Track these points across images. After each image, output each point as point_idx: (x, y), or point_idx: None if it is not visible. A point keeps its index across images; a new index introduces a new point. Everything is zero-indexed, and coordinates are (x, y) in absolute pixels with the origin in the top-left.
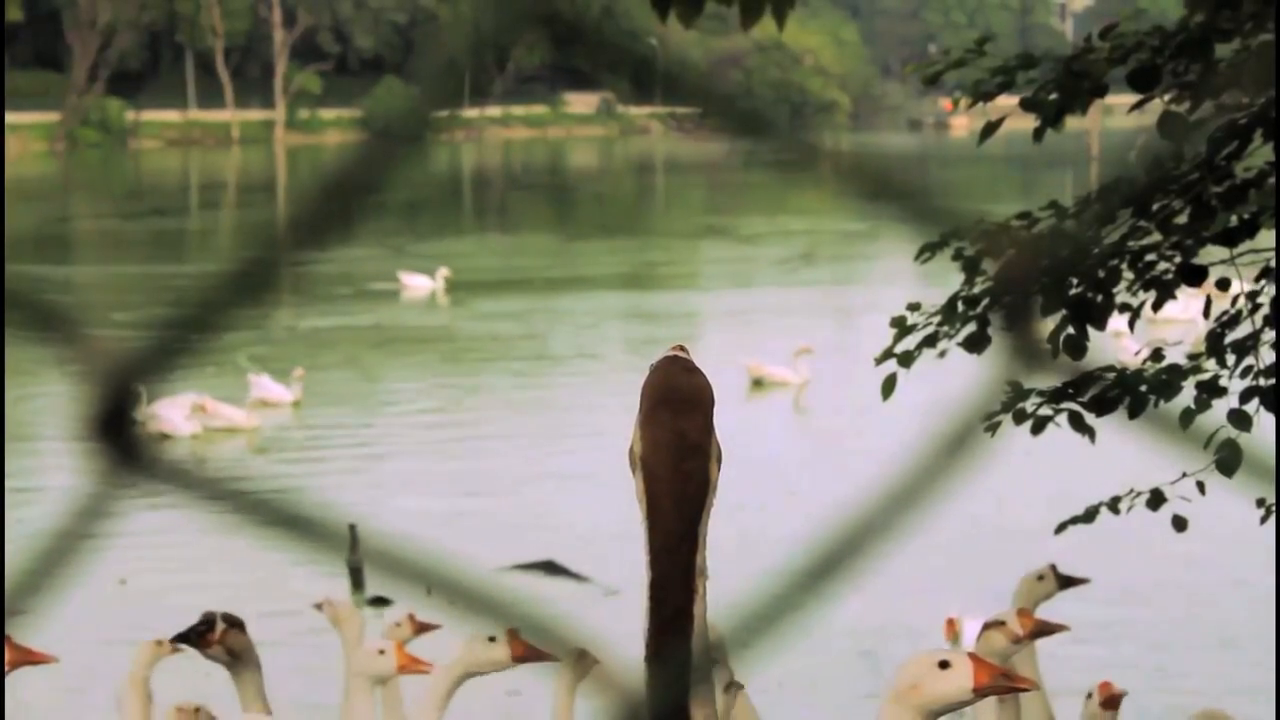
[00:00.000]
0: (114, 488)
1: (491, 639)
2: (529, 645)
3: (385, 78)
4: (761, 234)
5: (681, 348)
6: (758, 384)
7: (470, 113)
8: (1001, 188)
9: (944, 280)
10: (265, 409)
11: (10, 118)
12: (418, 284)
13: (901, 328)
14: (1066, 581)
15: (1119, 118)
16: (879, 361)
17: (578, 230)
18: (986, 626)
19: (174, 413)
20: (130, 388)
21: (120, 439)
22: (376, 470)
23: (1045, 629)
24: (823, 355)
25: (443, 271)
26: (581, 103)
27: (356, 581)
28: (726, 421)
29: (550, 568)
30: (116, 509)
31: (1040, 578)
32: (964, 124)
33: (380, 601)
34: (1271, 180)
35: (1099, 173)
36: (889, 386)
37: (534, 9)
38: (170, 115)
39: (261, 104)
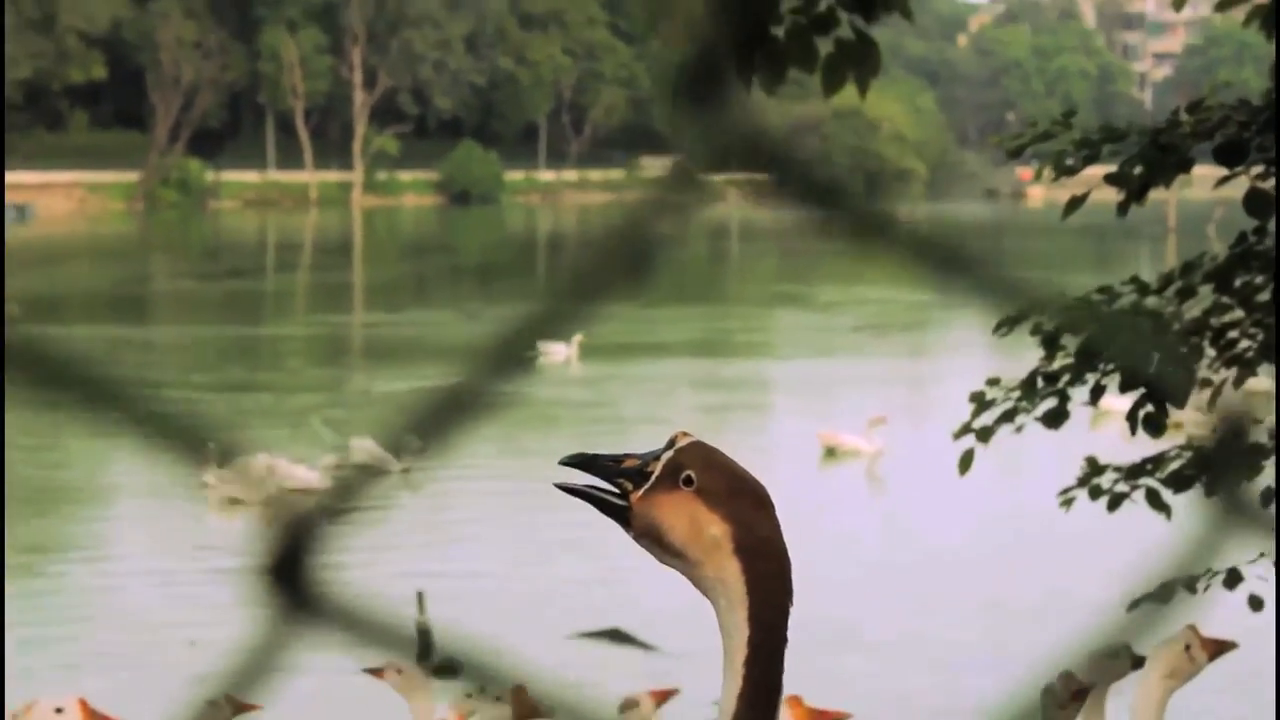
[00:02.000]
0: (289, 630)
1: (498, 698)
2: (534, 704)
3: (464, 140)
4: (836, 302)
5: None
6: (831, 453)
7: (547, 175)
8: (1078, 259)
9: (1017, 352)
10: (371, 474)
11: (92, 176)
12: (554, 350)
13: (980, 403)
14: (1138, 661)
15: (1196, 188)
16: (957, 436)
17: (652, 296)
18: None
19: (243, 474)
20: (307, 535)
21: (296, 584)
22: (445, 532)
23: (1222, 648)
24: (896, 425)
25: (577, 338)
26: (658, 167)
27: (425, 646)
28: (800, 490)
29: (616, 635)
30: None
31: (1115, 655)
32: (1040, 194)
33: (448, 669)
34: None
35: (1176, 244)
36: (967, 461)
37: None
38: (249, 176)
39: (340, 165)
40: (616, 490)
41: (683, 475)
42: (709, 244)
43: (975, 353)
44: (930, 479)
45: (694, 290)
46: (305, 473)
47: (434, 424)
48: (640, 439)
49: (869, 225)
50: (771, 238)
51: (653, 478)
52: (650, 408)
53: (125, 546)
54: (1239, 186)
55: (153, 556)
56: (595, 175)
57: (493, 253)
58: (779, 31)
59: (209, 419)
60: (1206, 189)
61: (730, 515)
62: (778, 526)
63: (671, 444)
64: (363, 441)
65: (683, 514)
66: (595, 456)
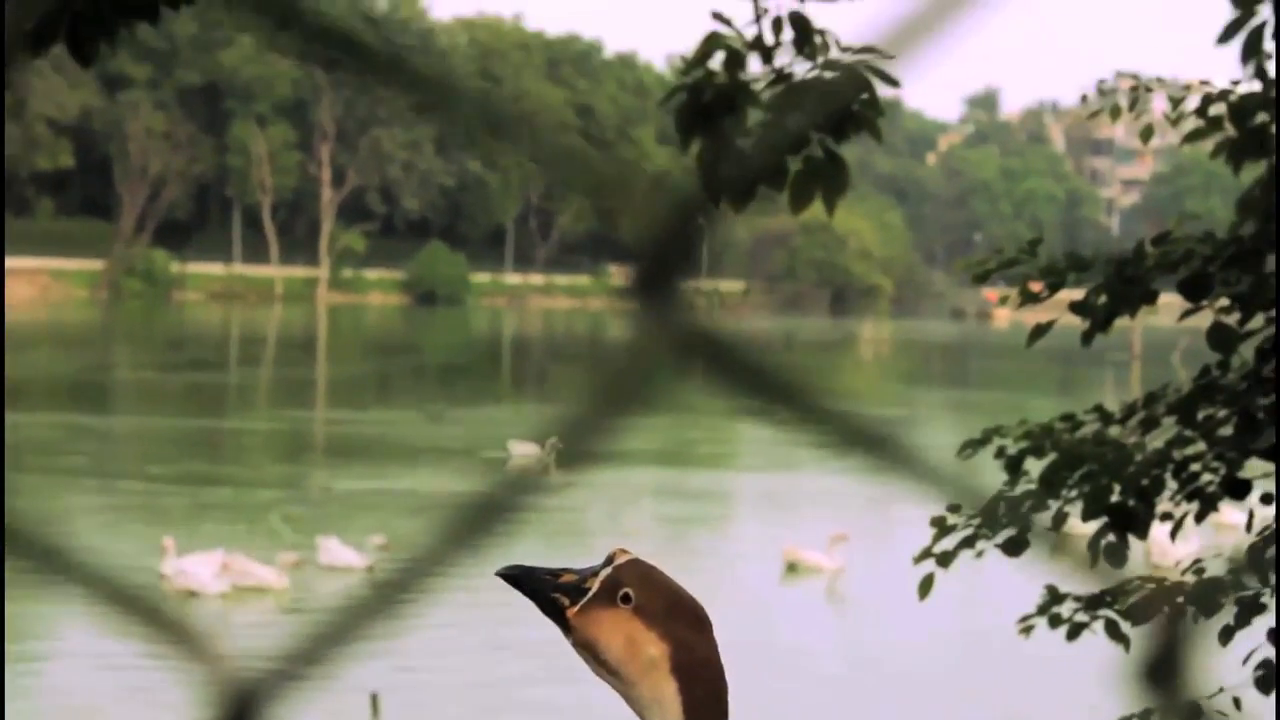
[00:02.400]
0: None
1: None
2: None
3: (431, 241)
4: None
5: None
6: (792, 568)
7: (513, 279)
8: (1043, 381)
9: (979, 469)
10: (336, 574)
11: (56, 264)
12: (526, 452)
13: (941, 527)
14: None
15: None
16: (917, 561)
17: (566, 399)
18: None
19: (202, 570)
20: (249, 711)
21: None
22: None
23: None
24: (858, 543)
25: (553, 441)
26: (624, 274)
27: None
28: (761, 605)
29: None
30: None
31: None
32: (1006, 315)
33: None
34: None
35: (1141, 371)
36: (926, 586)
37: (581, 178)
38: (215, 269)
39: (306, 261)
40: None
41: (620, 593)
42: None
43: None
44: (891, 599)
45: (659, 399)
46: (263, 570)
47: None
48: (603, 549)
49: (835, 337)
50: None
51: (589, 594)
52: (613, 517)
53: (77, 638)
54: (1204, 318)
55: (103, 645)
56: (561, 280)
57: (457, 353)
58: (747, 145)
59: (167, 509)
60: (1172, 316)
61: (668, 635)
62: (715, 648)
63: (610, 560)
64: (329, 540)
65: (619, 632)
66: (532, 569)
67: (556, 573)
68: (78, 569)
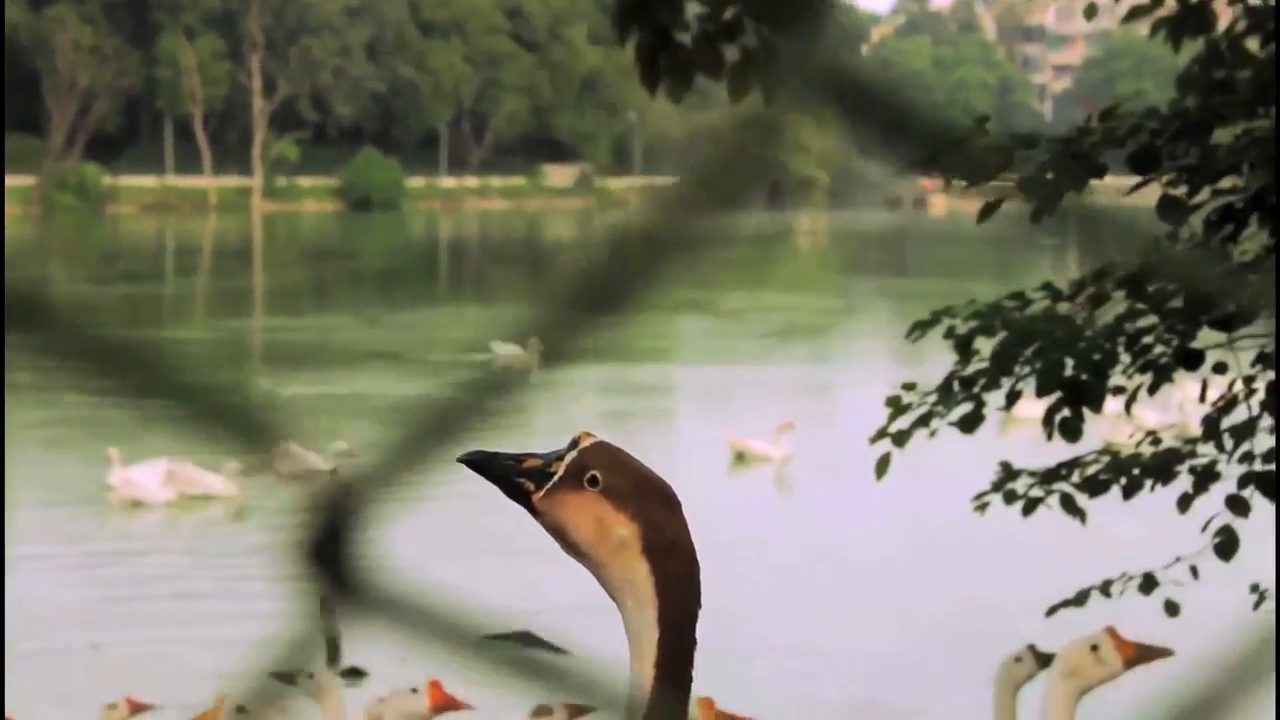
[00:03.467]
0: (328, 616)
1: (414, 690)
2: (449, 695)
3: (364, 147)
4: (740, 309)
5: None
6: (740, 459)
7: (448, 182)
8: (982, 267)
9: (920, 359)
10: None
11: None
12: (509, 352)
13: (896, 407)
14: (1045, 660)
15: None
16: (873, 441)
17: (540, 300)
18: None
19: (148, 478)
20: (347, 514)
21: (335, 566)
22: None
23: (1147, 654)
24: (803, 431)
25: (535, 341)
26: (560, 175)
27: (333, 653)
28: (708, 496)
29: (527, 639)
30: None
31: (1018, 659)
32: (942, 202)
33: (355, 673)
34: (1267, 264)
35: (1078, 256)
36: (883, 466)
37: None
38: (148, 181)
39: (239, 171)
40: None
41: (587, 475)
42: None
43: (879, 359)
44: (840, 485)
45: (634, 297)
46: (211, 478)
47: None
48: (547, 446)
49: (773, 231)
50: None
51: (555, 477)
52: (556, 414)
53: (25, 545)
54: (1149, 195)
55: (55, 554)
56: (497, 182)
57: (394, 258)
58: (685, 38)
59: (111, 421)
60: (1109, 197)
61: (638, 515)
62: (686, 527)
63: (575, 444)
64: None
65: (588, 514)
66: (495, 455)
67: (520, 457)
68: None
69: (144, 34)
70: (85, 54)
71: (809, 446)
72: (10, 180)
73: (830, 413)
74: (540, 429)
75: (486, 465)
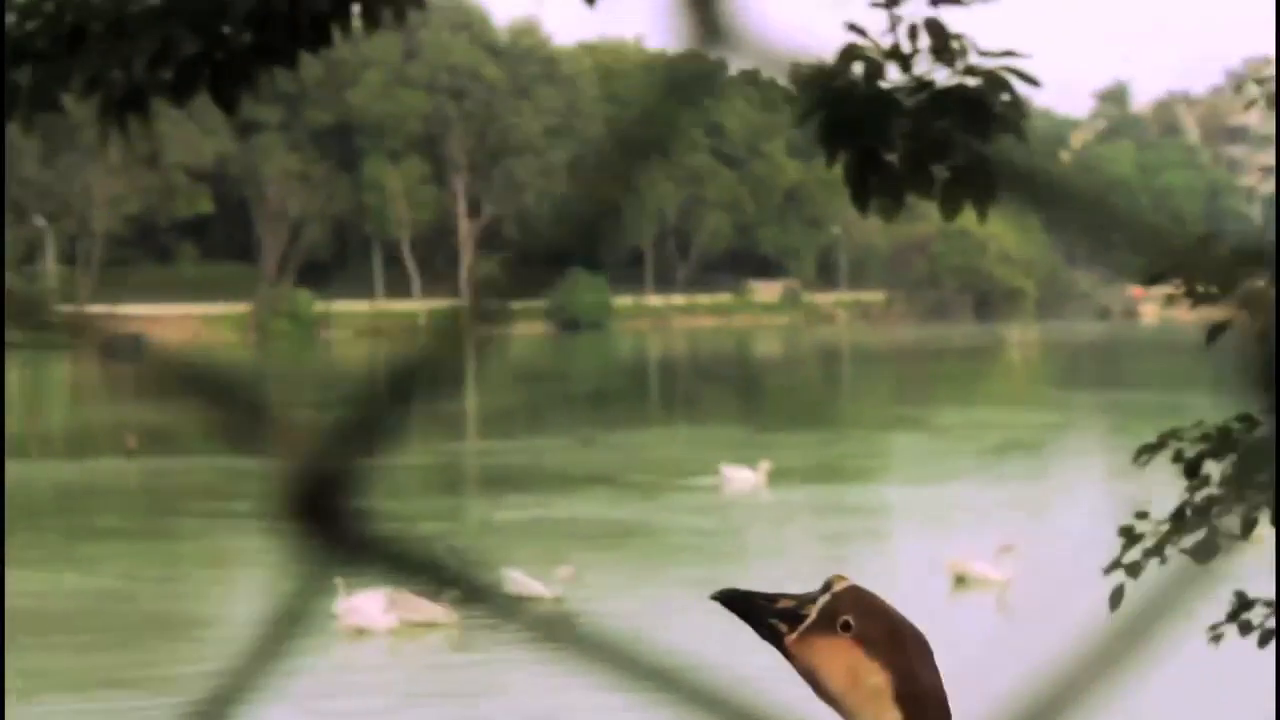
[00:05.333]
0: (323, 570)
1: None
2: None
3: (571, 267)
4: (954, 425)
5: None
6: (960, 581)
7: (654, 301)
8: (1196, 378)
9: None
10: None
11: (203, 309)
12: (740, 477)
13: (1129, 537)
14: None
15: None
16: (1107, 572)
17: (766, 421)
18: None
19: (371, 606)
20: (335, 463)
21: (327, 519)
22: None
23: None
24: (1024, 552)
25: (765, 464)
26: (766, 290)
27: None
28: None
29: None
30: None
31: None
32: (1153, 310)
33: None
34: None
35: None
36: (1117, 598)
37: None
38: (359, 305)
39: (447, 293)
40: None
41: (840, 620)
42: (821, 366)
43: (1097, 475)
44: (1066, 609)
45: (809, 414)
46: (433, 606)
47: None
48: (766, 570)
49: (984, 344)
50: (885, 359)
51: (808, 621)
52: (772, 536)
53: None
54: None
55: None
56: (703, 299)
57: (604, 379)
58: (893, 157)
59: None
60: None
61: (891, 664)
62: (939, 675)
63: (828, 587)
64: (512, 571)
65: (840, 661)
66: (749, 594)
67: (773, 598)
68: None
69: (349, 160)
70: (294, 181)
71: (1031, 568)
72: (225, 307)
73: (1050, 533)
74: (757, 550)
75: (740, 604)
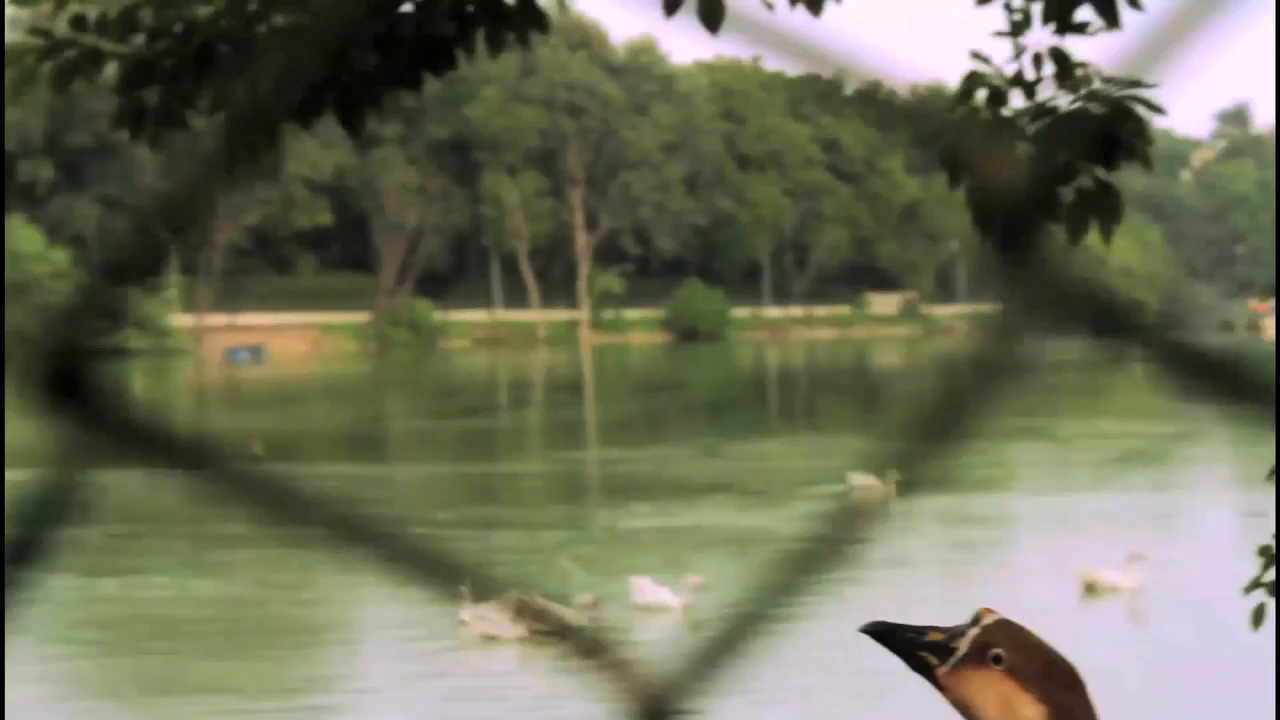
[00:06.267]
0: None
1: None
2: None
3: (688, 279)
4: (1076, 435)
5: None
6: (1090, 589)
7: (772, 312)
8: None
9: (1262, 483)
10: (648, 614)
11: (324, 318)
12: (867, 484)
13: (1269, 557)
14: None
15: None
16: (1247, 591)
17: (887, 430)
18: None
19: (497, 613)
20: (79, 338)
21: (79, 398)
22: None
23: None
24: (1152, 561)
25: (892, 473)
26: (884, 303)
27: None
28: (1059, 628)
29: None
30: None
31: None
32: (1273, 326)
33: None
34: None
35: None
36: (1259, 617)
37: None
38: (477, 315)
39: (566, 304)
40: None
41: (991, 653)
42: (941, 378)
43: (1220, 485)
44: (1198, 618)
45: (928, 424)
46: (562, 612)
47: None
48: (893, 580)
49: (1106, 356)
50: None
51: (959, 654)
52: (898, 545)
53: (376, 684)
54: None
55: (404, 694)
56: (821, 311)
57: (723, 389)
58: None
59: (461, 556)
60: None
61: (1045, 697)
62: (1093, 709)
63: (977, 620)
64: (640, 579)
65: (993, 693)
66: (897, 627)
67: (922, 630)
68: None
69: (466, 173)
70: (411, 194)
71: (1160, 576)
72: (346, 317)
73: (1177, 541)
74: (881, 561)
75: (889, 637)
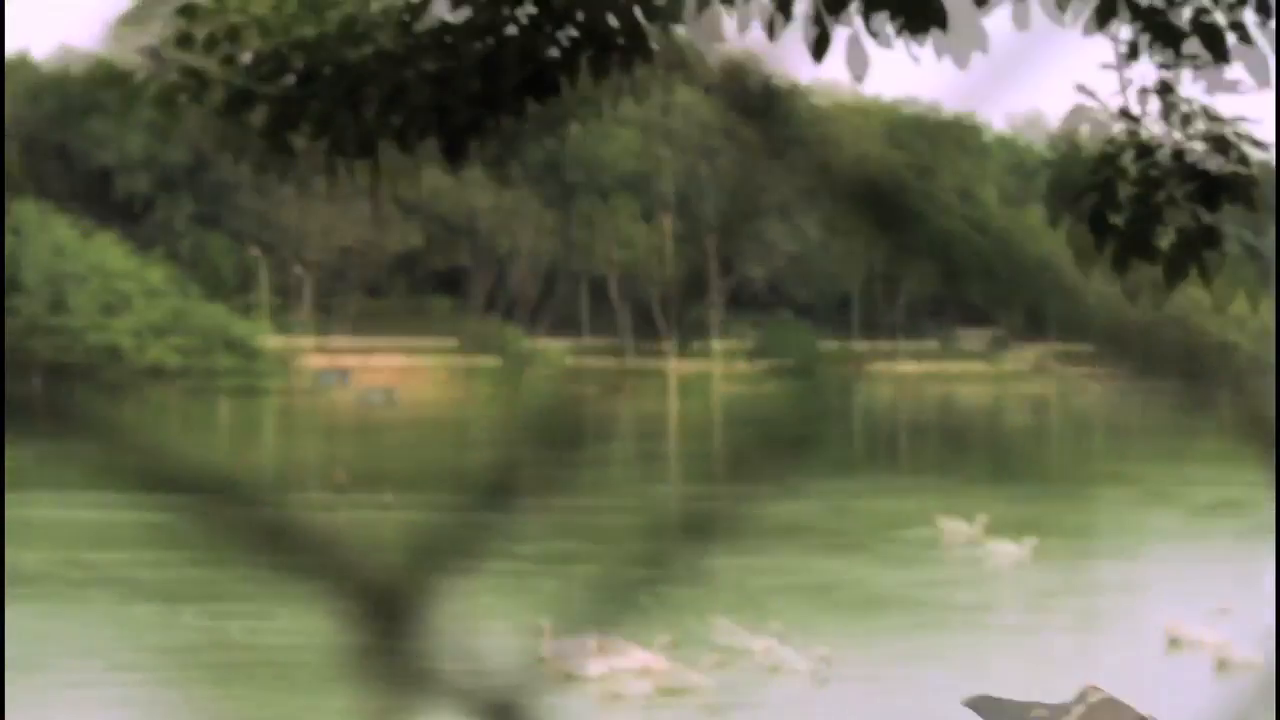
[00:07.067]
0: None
1: None
2: None
3: (778, 309)
4: (1163, 480)
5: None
6: (1174, 644)
7: (861, 346)
8: None
9: None
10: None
11: (412, 342)
12: (959, 530)
13: None
14: None
15: None
16: None
17: (971, 473)
18: None
19: (579, 651)
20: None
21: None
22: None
23: None
24: (1238, 614)
25: (982, 518)
26: (973, 338)
27: None
28: (1144, 682)
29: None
30: None
31: None
32: None
33: None
34: None
35: None
36: None
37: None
38: (565, 343)
39: (652, 333)
40: None
41: None
42: (1029, 418)
43: None
44: None
45: (1015, 468)
46: (641, 652)
47: None
48: (978, 629)
49: (1196, 400)
50: (1095, 411)
51: None
52: (986, 592)
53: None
54: None
55: None
56: (909, 346)
57: (809, 425)
58: (1118, 220)
59: (540, 590)
60: None
61: None
62: None
63: (1083, 698)
64: (721, 620)
65: None
66: (1001, 701)
67: (1027, 706)
68: None
69: (561, 196)
70: (505, 216)
71: (1245, 629)
72: (432, 341)
73: (1264, 594)
74: (960, 604)
75: (993, 712)
